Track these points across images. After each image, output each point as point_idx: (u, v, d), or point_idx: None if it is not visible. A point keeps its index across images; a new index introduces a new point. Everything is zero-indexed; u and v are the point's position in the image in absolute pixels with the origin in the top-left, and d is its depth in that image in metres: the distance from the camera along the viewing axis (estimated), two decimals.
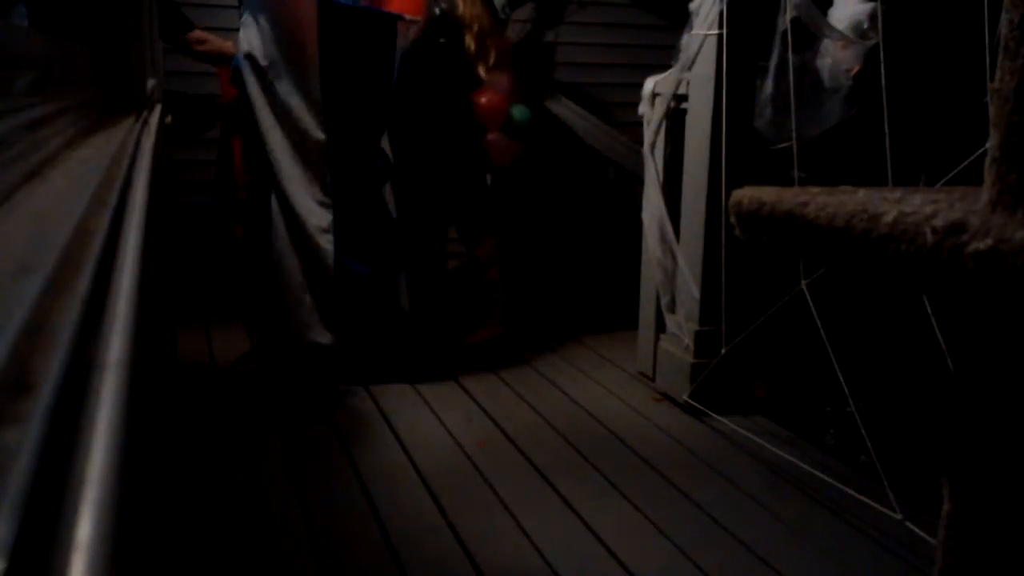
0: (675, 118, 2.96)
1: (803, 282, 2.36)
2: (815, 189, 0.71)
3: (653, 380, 3.13)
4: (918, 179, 2.65)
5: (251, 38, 3.04)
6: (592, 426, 2.79)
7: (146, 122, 1.46)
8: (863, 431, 2.19)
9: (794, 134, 2.48)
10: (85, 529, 0.29)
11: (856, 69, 2.87)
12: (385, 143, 3.13)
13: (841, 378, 2.23)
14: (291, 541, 2.06)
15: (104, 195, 0.70)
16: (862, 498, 2.21)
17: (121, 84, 1.71)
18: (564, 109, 4.14)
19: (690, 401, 2.85)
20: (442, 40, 3.26)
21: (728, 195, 0.79)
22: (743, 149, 2.72)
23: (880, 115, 2.17)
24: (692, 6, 2.81)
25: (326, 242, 3.03)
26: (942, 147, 2.53)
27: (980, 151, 1.65)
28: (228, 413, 2.85)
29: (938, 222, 0.57)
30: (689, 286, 2.88)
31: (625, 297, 3.50)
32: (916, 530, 2.02)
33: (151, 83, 1.90)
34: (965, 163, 1.96)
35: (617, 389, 3.12)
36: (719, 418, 2.77)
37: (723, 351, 2.75)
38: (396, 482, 2.35)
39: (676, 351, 2.97)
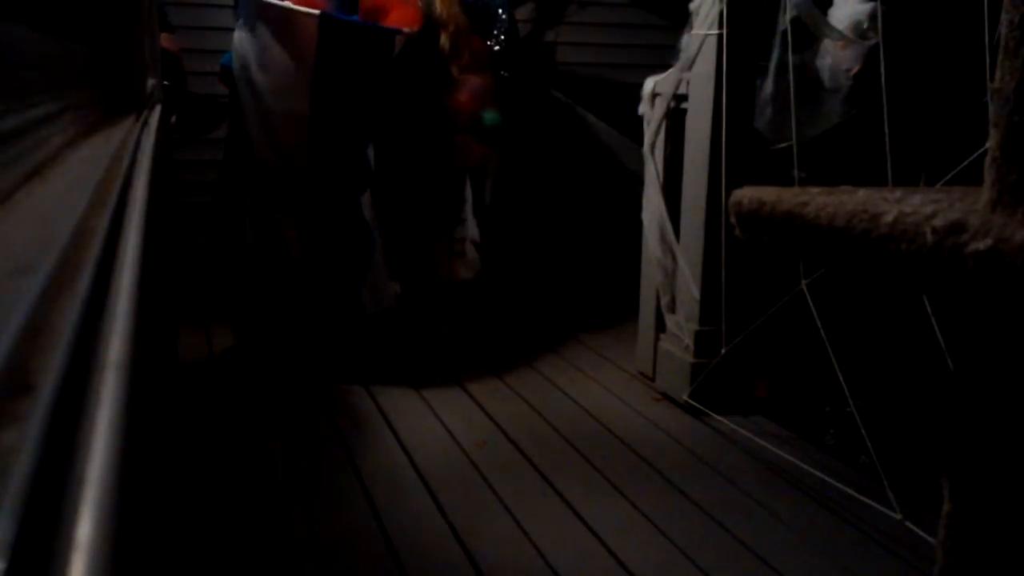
0: (675, 118, 2.96)
1: (803, 282, 2.36)
2: (815, 189, 0.71)
3: (653, 380, 3.13)
4: (918, 179, 2.65)
5: (245, 43, 3.04)
6: (592, 426, 2.79)
7: (146, 122, 1.46)
8: (863, 431, 2.19)
9: (794, 134, 2.48)
10: (85, 529, 0.28)
11: (856, 69, 2.87)
12: (370, 151, 3.13)
13: (841, 378, 2.23)
14: (291, 541, 2.06)
15: (104, 195, 0.70)
16: (862, 498, 2.21)
17: (121, 84, 1.71)
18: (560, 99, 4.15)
19: (690, 401, 2.85)
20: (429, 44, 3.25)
21: (728, 195, 0.79)
22: (743, 149, 2.72)
23: (880, 115, 2.17)
24: (692, 6, 2.81)
25: (295, 247, 3.07)
26: (942, 147, 2.53)
27: (980, 151, 1.65)
28: (228, 413, 2.85)
29: (938, 222, 0.57)
30: (689, 286, 2.88)
31: (625, 297, 3.50)
32: (916, 530, 2.02)
33: (151, 83, 1.91)
34: (965, 163, 1.96)
35: (617, 389, 3.12)
36: (719, 418, 2.77)
37: (723, 351, 2.75)
38: (396, 482, 2.35)
39: (676, 351, 2.97)
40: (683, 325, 2.93)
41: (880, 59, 2.21)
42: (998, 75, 0.64)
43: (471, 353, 3.45)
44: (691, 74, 2.83)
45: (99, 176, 0.76)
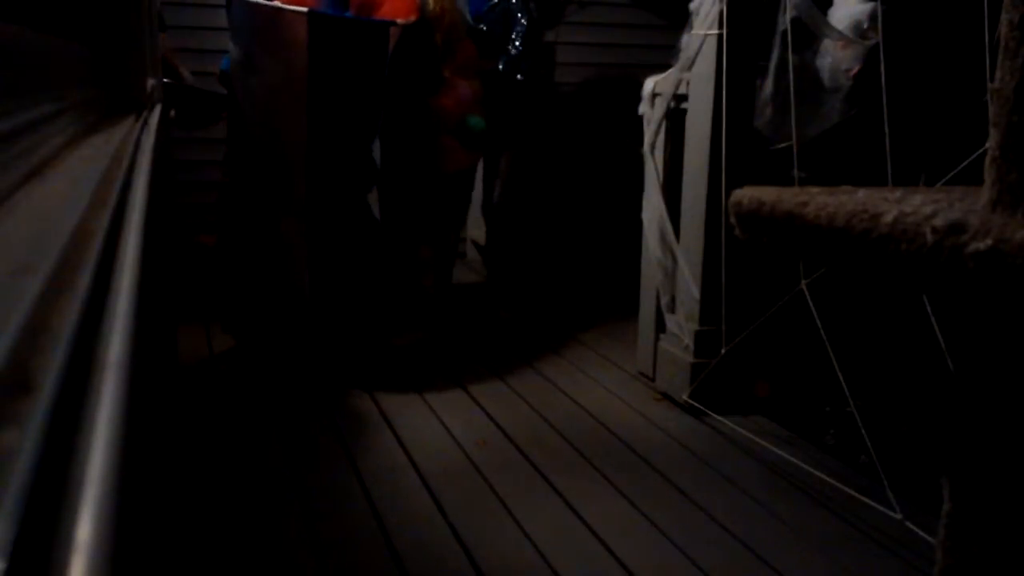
0: (675, 118, 2.96)
1: (803, 282, 2.36)
2: (815, 189, 0.71)
3: (653, 380, 3.13)
4: (918, 179, 2.65)
5: (239, 45, 3.04)
6: (592, 426, 2.79)
7: (146, 122, 1.46)
8: (863, 431, 2.19)
9: (794, 134, 2.48)
10: (85, 529, 0.28)
11: (856, 69, 2.87)
12: (376, 147, 3.11)
13: (841, 378, 2.23)
14: (291, 541, 2.06)
15: (104, 195, 0.70)
16: (862, 498, 2.21)
17: (121, 84, 1.71)
18: None
19: (690, 401, 2.85)
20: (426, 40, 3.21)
21: (728, 195, 0.79)
22: (743, 149, 2.72)
23: (880, 115, 2.17)
24: (692, 6, 2.81)
25: (296, 248, 3.05)
26: (942, 147, 2.53)
27: (980, 151, 1.65)
28: (228, 413, 2.85)
29: (938, 222, 0.57)
30: (689, 286, 2.88)
31: (625, 297, 3.49)
32: (916, 530, 2.02)
33: (151, 83, 1.90)
34: (965, 163, 1.96)
35: (617, 389, 3.12)
36: (719, 418, 2.77)
37: (723, 351, 2.75)
38: (396, 482, 2.35)
39: (676, 351, 2.97)
40: (683, 325, 2.93)
41: (880, 59, 2.21)
42: (998, 75, 0.63)
43: (471, 353, 3.45)
44: (691, 74, 2.83)
45: (99, 176, 0.76)
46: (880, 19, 2.37)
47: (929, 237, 0.57)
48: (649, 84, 3.03)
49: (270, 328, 3.20)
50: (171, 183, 2.90)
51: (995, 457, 0.67)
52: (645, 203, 3.09)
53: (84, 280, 0.47)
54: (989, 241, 0.54)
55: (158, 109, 1.85)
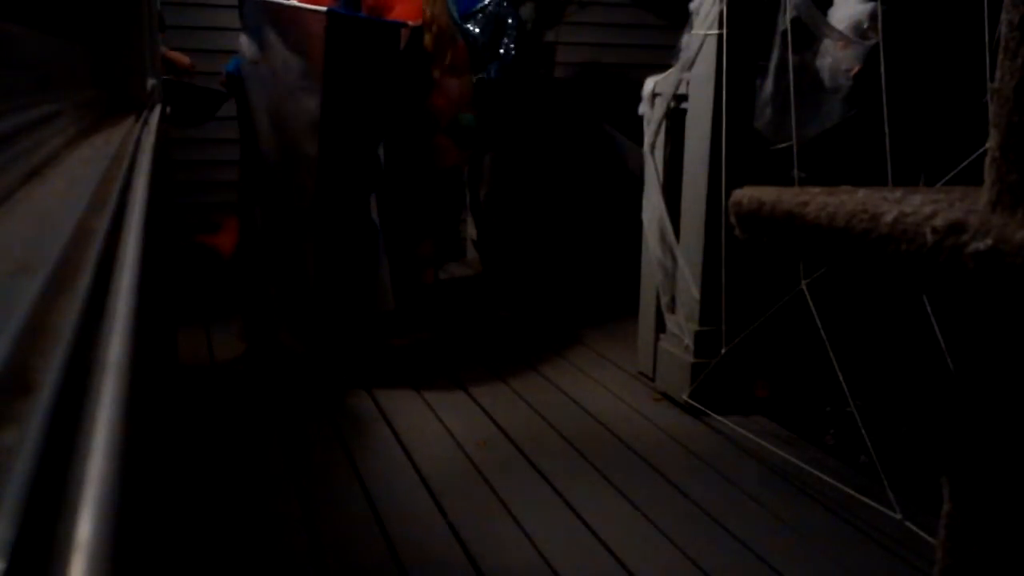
0: (675, 118, 2.96)
1: (803, 282, 2.36)
2: (815, 189, 0.71)
3: (653, 380, 3.13)
4: (918, 179, 2.65)
5: (253, 44, 3.04)
6: (592, 426, 2.79)
7: (146, 122, 1.46)
8: (863, 431, 2.19)
9: (794, 134, 2.48)
10: (85, 529, 0.28)
11: (856, 69, 2.87)
12: (380, 150, 3.12)
13: (841, 378, 2.23)
14: (291, 541, 2.06)
15: (104, 195, 0.70)
16: (862, 498, 2.21)
17: (121, 84, 1.71)
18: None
19: (690, 401, 2.85)
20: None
21: (728, 195, 0.79)
22: (743, 149, 2.72)
23: (880, 115, 2.17)
24: (692, 6, 2.81)
25: (308, 250, 3.05)
26: (942, 147, 2.53)
27: (980, 151, 1.65)
28: (228, 413, 2.85)
29: (938, 222, 0.57)
30: (689, 286, 2.88)
31: (625, 297, 3.49)
32: (916, 530, 2.02)
33: (151, 83, 1.90)
34: (965, 163, 1.96)
35: (617, 389, 3.12)
36: (719, 418, 2.77)
37: (723, 351, 2.75)
38: (396, 482, 2.35)
39: (676, 351, 2.97)
40: (683, 325, 2.93)
41: (880, 59, 2.21)
42: (998, 75, 0.63)
43: (471, 353, 3.45)
44: (691, 74, 2.83)
45: (99, 176, 0.76)
46: (880, 19, 2.37)
47: (929, 237, 0.57)
48: (649, 84, 3.03)
49: (281, 329, 3.20)
50: (171, 183, 2.90)
51: (995, 457, 0.67)
52: (645, 203, 3.09)
53: (84, 280, 0.47)
54: (989, 241, 0.54)
55: (158, 109, 1.85)
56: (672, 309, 3.02)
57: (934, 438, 2.41)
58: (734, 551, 2.04)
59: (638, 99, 3.07)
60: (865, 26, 2.86)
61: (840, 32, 2.80)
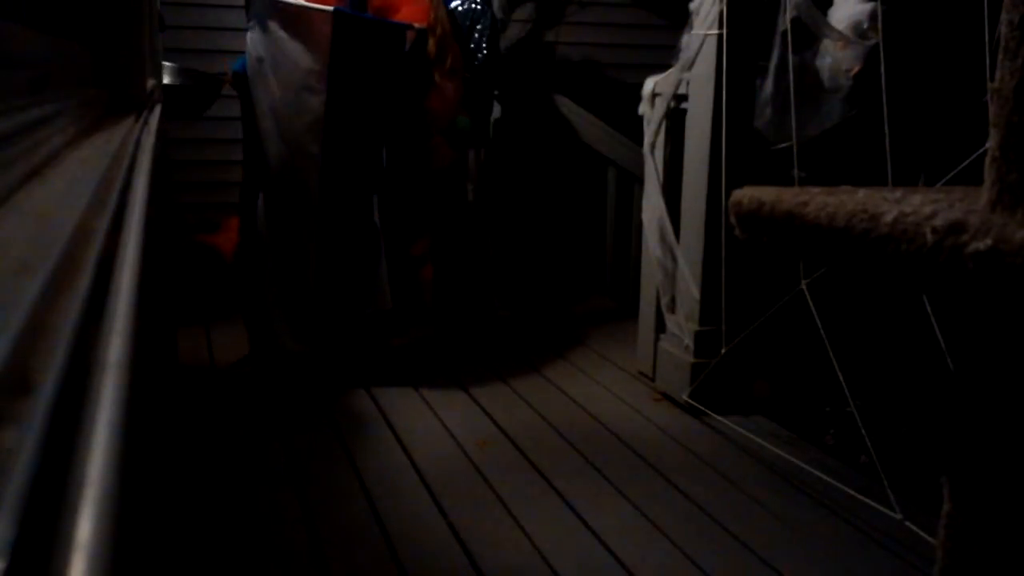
0: (675, 118, 2.96)
1: (803, 282, 2.36)
2: (815, 189, 0.71)
3: (653, 380, 3.13)
4: (918, 179, 2.65)
5: (259, 43, 3.04)
6: (592, 426, 2.79)
7: (146, 122, 1.46)
8: (863, 431, 2.19)
9: (794, 134, 2.48)
10: (85, 529, 0.28)
11: (856, 69, 2.87)
12: (383, 151, 3.12)
13: (841, 378, 2.23)
14: (291, 540, 2.06)
15: (104, 195, 0.70)
16: (862, 498, 2.21)
17: (121, 84, 1.71)
18: (565, 109, 4.14)
19: (690, 401, 2.85)
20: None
21: (728, 195, 0.79)
22: (743, 149, 2.72)
23: (880, 115, 2.17)
24: (692, 6, 2.81)
25: (310, 251, 3.05)
26: (942, 147, 2.53)
27: (980, 151, 1.65)
28: (228, 413, 2.85)
29: (938, 222, 0.57)
30: (689, 286, 2.88)
31: (625, 297, 3.49)
32: (916, 530, 2.02)
33: (151, 83, 1.91)
34: (965, 163, 1.96)
35: (617, 389, 3.12)
36: (719, 418, 2.77)
37: (723, 351, 2.75)
38: (396, 482, 2.35)
39: (676, 351, 2.97)
40: (683, 325, 2.93)
41: (880, 59, 2.21)
42: (998, 75, 0.63)
43: (471, 353, 3.45)
44: (691, 74, 2.83)
45: (99, 176, 0.76)
46: (880, 19, 2.37)
47: (929, 237, 0.57)
48: (649, 84, 3.03)
49: (281, 329, 3.19)
50: (171, 183, 2.90)
51: (995, 457, 0.67)
52: (645, 203, 3.09)
53: (84, 280, 0.47)
54: (989, 241, 0.54)
55: (158, 109, 1.85)
56: (672, 309, 3.02)
57: (934, 438, 2.41)
58: (734, 551, 2.04)
59: (638, 99, 3.08)
60: (865, 26, 2.86)
61: (840, 32, 2.80)
